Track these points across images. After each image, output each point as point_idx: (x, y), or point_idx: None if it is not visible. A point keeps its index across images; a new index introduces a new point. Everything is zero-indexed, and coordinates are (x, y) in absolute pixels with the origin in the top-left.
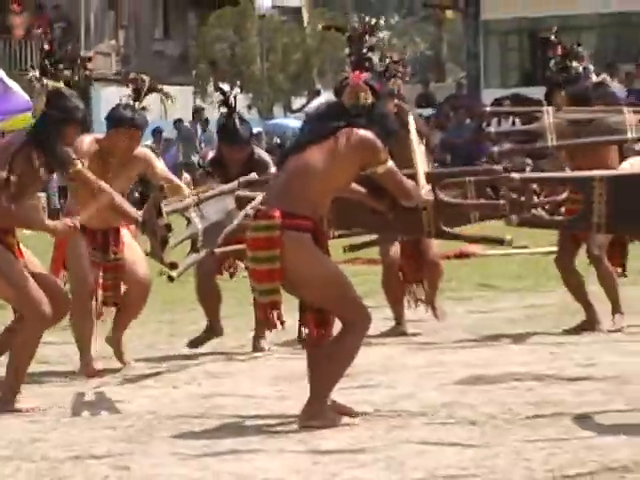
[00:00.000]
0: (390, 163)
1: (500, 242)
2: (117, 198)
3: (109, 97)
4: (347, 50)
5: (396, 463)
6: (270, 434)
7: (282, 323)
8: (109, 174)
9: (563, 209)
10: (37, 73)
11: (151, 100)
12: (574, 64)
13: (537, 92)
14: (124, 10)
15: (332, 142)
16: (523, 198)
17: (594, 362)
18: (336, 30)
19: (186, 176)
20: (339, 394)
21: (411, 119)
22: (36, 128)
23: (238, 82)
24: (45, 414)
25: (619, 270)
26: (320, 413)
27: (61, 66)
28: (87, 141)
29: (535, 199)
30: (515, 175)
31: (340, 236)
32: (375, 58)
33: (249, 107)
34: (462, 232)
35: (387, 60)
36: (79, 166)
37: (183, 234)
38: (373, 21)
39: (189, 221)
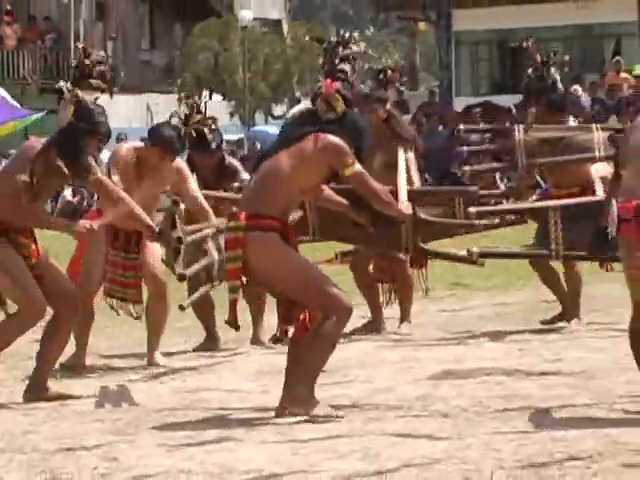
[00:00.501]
0: (357, 167)
1: (472, 262)
2: (135, 208)
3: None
4: (321, 60)
5: (372, 454)
6: (252, 426)
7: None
8: (142, 182)
9: None
10: (69, 84)
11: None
12: (552, 72)
13: (506, 100)
14: (112, 22)
15: (301, 146)
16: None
17: (561, 358)
18: (317, 42)
19: None
20: (318, 388)
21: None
22: (61, 136)
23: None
24: (37, 408)
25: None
26: (304, 400)
27: (92, 80)
28: (125, 148)
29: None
30: (472, 209)
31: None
32: (347, 68)
33: (231, 114)
34: (438, 251)
35: (384, 68)
36: (98, 175)
37: (200, 263)
38: (347, 34)
39: (206, 252)
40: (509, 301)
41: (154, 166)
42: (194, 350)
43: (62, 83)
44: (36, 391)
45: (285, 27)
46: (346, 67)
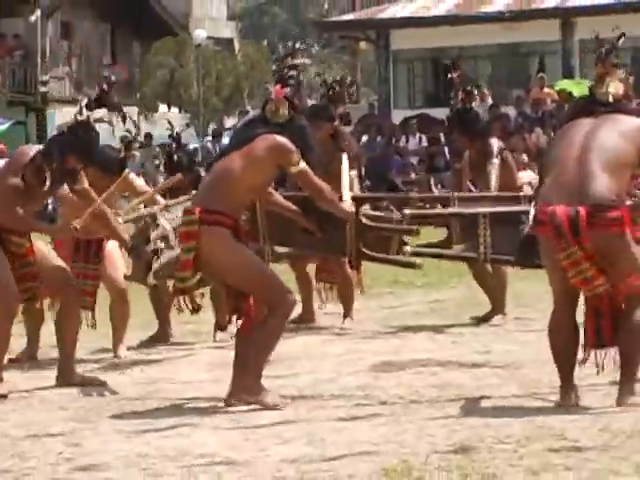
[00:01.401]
0: (303, 165)
1: (412, 266)
2: (113, 221)
3: (65, 116)
4: (273, 67)
5: (317, 439)
6: (206, 414)
7: (195, 308)
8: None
9: None
10: (85, 102)
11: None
12: (474, 107)
13: (440, 112)
14: (76, 40)
15: (250, 146)
16: None
17: (490, 350)
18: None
19: None
20: (267, 380)
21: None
22: (52, 144)
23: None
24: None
25: None
26: (253, 388)
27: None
28: None
29: None
30: (406, 211)
31: None
32: (296, 75)
33: (187, 125)
34: (379, 256)
35: (333, 83)
36: (86, 185)
37: (153, 238)
38: (296, 45)
39: (157, 226)
40: (443, 298)
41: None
42: (140, 345)
43: (84, 102)
44: (65, 376)
45: (236, 45)
46: (295, 74)
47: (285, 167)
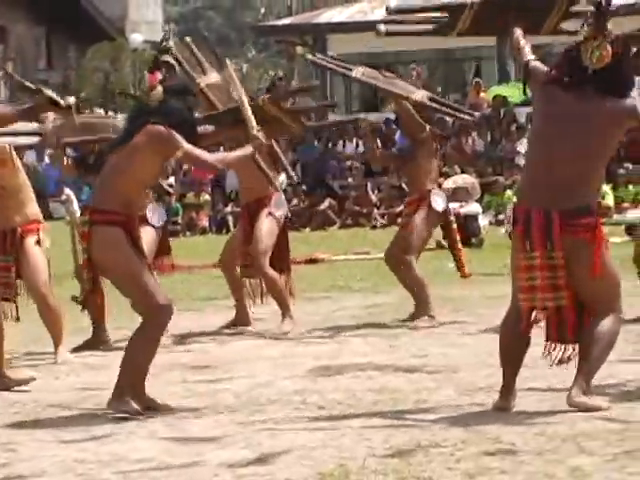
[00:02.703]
0: (185, 147)
1: None
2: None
3: None
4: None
5: (255, 443)
6: (143, 419)
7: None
8: None
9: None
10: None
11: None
12: None
13: (376, 117)
14: (11, 44)
15: (133, 141)
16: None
17: (427, 353)
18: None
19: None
20: (203, 385)
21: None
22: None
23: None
24: None
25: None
26: (125, 403)
27: None
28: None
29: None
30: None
31: None
32: (170, 59)
33: None
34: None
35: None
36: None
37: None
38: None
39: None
40: (379, 302)
41: None
42: (75, 350)
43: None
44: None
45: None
46: (168, 58)
47: (171, 155)
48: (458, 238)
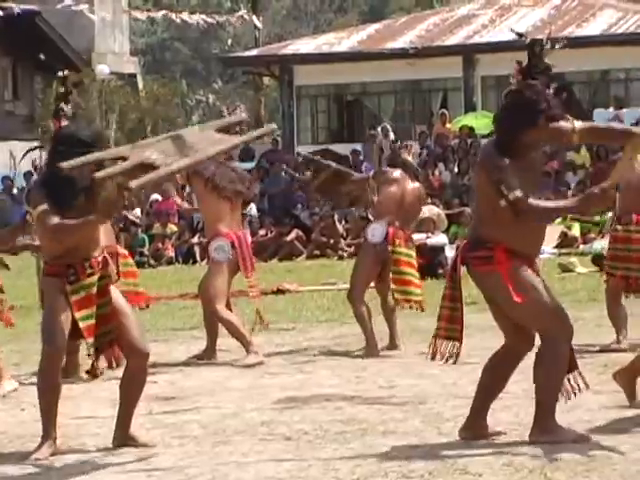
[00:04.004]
0: (40, 208)
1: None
2: None
3: None
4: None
5: (220, 475)
6: (110, 451)
7: None
8: None
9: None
10: None
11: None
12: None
13: (343, 148)
14: None
15: None
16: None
17: (394, 384)
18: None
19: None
20: (170, 416)
21: None
22: None
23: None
24: None
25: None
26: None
27: None
28: None
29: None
30: None
31: None
32: (66, 107)
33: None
34: None
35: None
36: None
37: None
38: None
39: None
40: (345, 332)
41: None
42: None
43: None
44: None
45: (140, 81)
46: (65, 107)
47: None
48: (408, 271)
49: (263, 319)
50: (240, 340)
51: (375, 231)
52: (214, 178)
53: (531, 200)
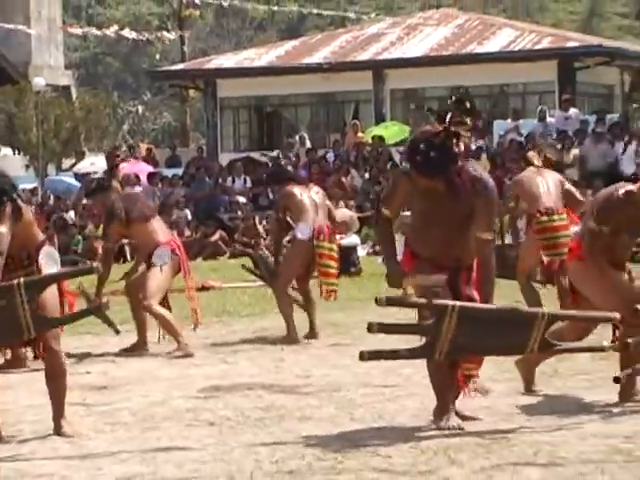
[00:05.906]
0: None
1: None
2: None
3: None
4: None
5: (149, 457)
6: (45, 437)
7: None
8: None
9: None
10: None
11: None
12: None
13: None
14: None
15: None
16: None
17: (310, 374)
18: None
19: None
20: (103, 403)
21: None
22: None
23: None
24: None
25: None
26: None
27: None
28: None
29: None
30: None
31: None
32: None
33: (27, 167)
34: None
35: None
36: None
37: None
38: None
39: None
40: (266, 325)
41: None
42: None
43: None
44: None
45: (74, 92)
46: None
47: None
48: (330, 264)
49: (199, 318)
50: (171, 333)
51: (303, 230)
52: (125, 211)
53: None
